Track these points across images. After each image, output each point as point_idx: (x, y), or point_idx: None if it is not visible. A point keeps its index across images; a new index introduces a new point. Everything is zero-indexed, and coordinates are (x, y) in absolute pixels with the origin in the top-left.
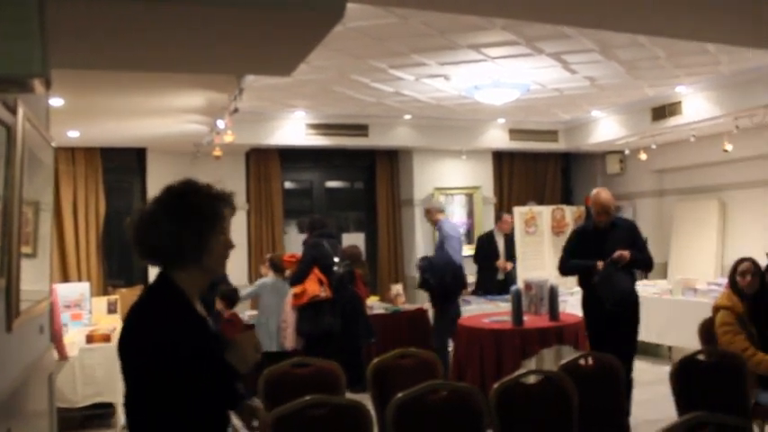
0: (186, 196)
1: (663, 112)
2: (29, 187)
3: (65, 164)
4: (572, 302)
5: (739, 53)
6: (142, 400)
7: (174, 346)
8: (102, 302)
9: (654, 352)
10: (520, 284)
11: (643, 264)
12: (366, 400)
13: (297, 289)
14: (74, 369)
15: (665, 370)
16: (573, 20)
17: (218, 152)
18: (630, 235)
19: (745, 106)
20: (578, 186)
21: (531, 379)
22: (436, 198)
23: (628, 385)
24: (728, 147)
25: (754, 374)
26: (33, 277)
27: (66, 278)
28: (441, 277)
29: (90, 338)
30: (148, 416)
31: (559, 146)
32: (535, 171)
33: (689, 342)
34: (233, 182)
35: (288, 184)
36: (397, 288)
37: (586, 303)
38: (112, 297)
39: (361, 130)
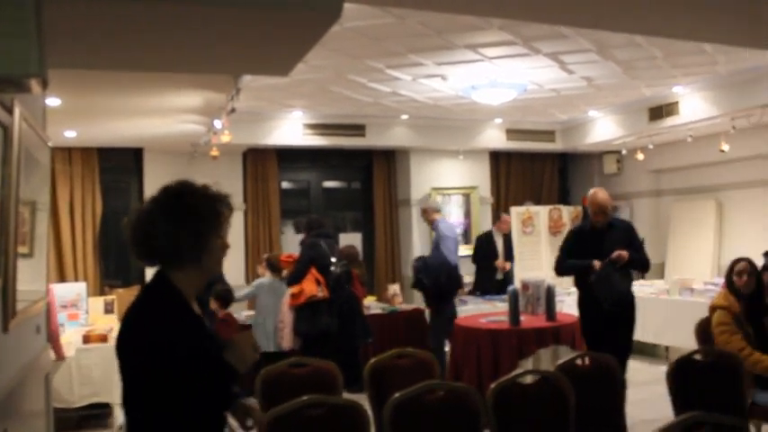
0: (183, 196)
1: (660, 112)
2: (25, 187)
3: (62, 164)
4: (569, 302)
5: (736, 53)
6: (140, 399)
7: (172, 346)
8: (98, 303)
9: (651, 352)
10: (517, 284)
11: (640, 264)
12: (363, 400)
13: (294, 289)
14: (70, 369)
15: (661, 370)
16: (570, 20)
17: (215, 152)
18: (627, 235)
19: (742, 106)
20: (575, 186)
21: (528, 379)
22: (433, 198)
23: (621, 385)
24: (725, 147)
25: (750, 374)
26: (30, 277)
27: (62, 278)
28: (435, 277)
29: (87, 339)
30: (146, 415)
31: (556, 146)
32: (532, 171)
33: (686, 342)
34: (230, 182)
35: (285, 184)
36: (394, 288)
37: (582, 304)
38: (109, 297)
39: (358, 130)
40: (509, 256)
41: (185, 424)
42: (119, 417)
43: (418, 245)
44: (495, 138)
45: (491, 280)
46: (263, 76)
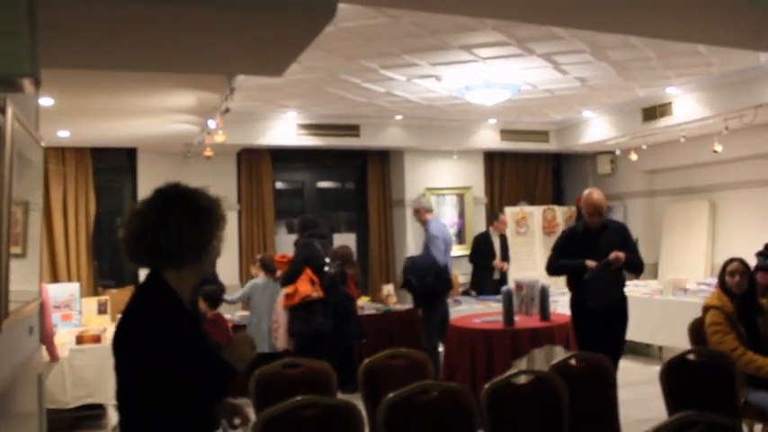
0: (191, 198)
1: (653, 112)
2: (18, 187)
3: (55, 164)
4: (563, 303)
5: (729, 54)
6: (135, 397)
7: (167, 345)
8: (92, 303)
9: (644, 352)
10: (511, 285)
11: (635, 266)
12: (357, 400)
13: (288, 289)
14: (63, 370)
15: (655, 369)
16: (564, 21)
17: (209, 152)
18: (621, 237)
19: (735, 107)
20: (569, 187)
21: (522, 379)
22: (427, 198)
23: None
24: (718, 147)
25: (743, 374)
26: (22, 278)
27: (55, 279)
28: (422, 278)
29: (80, 339)
30: (140, 413)
31: (550, 146)
32: (526, 171)
33: (679, 342)
34: (224, 182)
35: (279, 185)
36: (388, 288)
37: (575, 304)
38: (103, 298)
39: (352, 130)
40: (506, 256)
41: (179, 422)
42: (112, 417)
43: (412, 245)
44: (489, 138)
45: (488, 280)
46: (258, 76)
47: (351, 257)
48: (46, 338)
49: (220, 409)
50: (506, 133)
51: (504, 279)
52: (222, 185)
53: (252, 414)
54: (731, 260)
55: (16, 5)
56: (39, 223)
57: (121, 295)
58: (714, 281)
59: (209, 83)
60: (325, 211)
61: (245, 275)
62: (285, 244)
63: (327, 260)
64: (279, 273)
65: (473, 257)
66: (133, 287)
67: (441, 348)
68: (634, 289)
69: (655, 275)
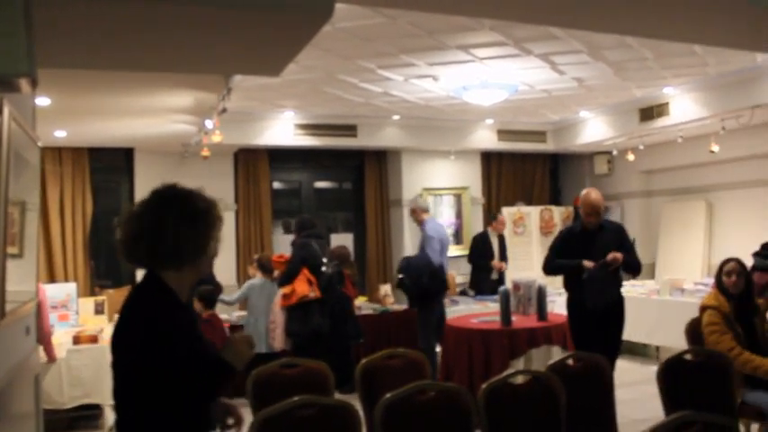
0: (190, 199)
1: (650, 113)
2: (15, 187)
3: (51, 164)
4: (560, 303)
5: (726, 55)
6: (132, 396)
7: (165, 344)
8: (89, 303)
9: (641, 352)
10: (508, 285)
11: (632, 267)
12: (354, 400)
13: (286, 289)
14: (60, 370)
15: (652, 370)
16: (563, 21)
17: (206, 152)
18: (618, 237)
19: (732, 107)
20: (566, 187)
21: (520, 379)
22: (424, 198)
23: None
24: (715, 148)
25: (740, 374)
26: (19, 278)
27: (52, 279)
28: (417, 278)
29: (77, 339)
30: (137, 412)
31: (548, 146)
32: (523, 171)
33: (676, 342)
34: (221, 182)
35: (276, 185)
36: (385, 288)
37: (572, 305)
38: (99, 298)
39: (349, 130)
40: (504, 256)
41: (175, 422)
42: (109, 418)
43: (409, 245)
44: (486, 138)
45: (487, 280)
46: (255, 76)
47: (348, 257)
48: (43, 339)
49: (215, 409)
50: (503, 133)
51: (502, 279)
52: (219, 185)
53: (246, 414)
54: (728, 260)
55: (13, 5)
56: (36, 223)
57: (118, 295)
58: (711, 281)
59: (207, 83)
60: (322, 212)
61: (242, 276)
62: (282, 244)
63: (325, 260)
64: (276, 273)
65: (471, 257)
66: (130, 287)
67: (438, 348)
68: (631, 289)
69: (652, 275)
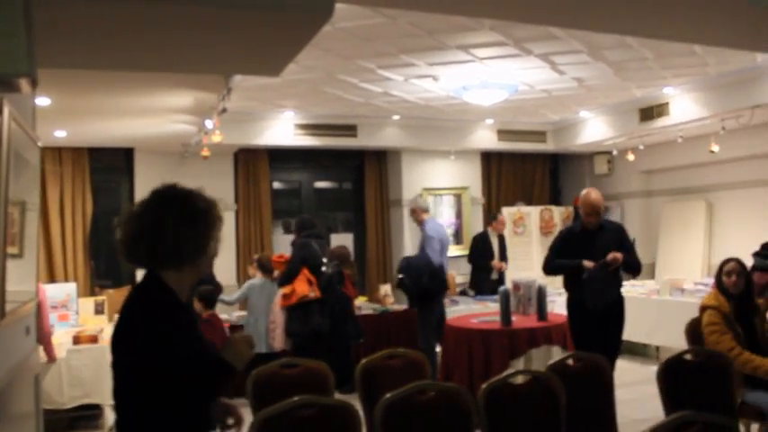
0: (190, 199)
1: (650, 113)
2: (15, 187)
3: (51, 164)
4: (560, 303)
5: (726, 55)
6: (132, 396)
7: (165, 344)
8: (89, 303)
9: (641, 352)
10: (508, 285)
11: (632, 267)
12: (354, 400)
13: (286, 289)
14: (60, 370)
15: (652, 370)
16: (563, 21)
17: (206, 152)
18: (618, 237)
19: (732, 107)
20: (566, 187)
21: (520, 379)
22: (424, 198)
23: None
24: (715, 148)
25: (740, 374)
26: (19, 278)
27: (52, 279)
28: (417, 278)
29: (77, 339)
30: (137, 412)
31: (548, 146)
32: (523, 171)
33: (676, 342)
34: (221, 182)
35: (276, 185)
36: (385, 288)
37: (572, 305)
38: (99, 298)
39: (349, 130)
40: (504, 256)
41: (176, 422)
42: (109, 418)
43: (409, 245)
44: (486, 138)
45: (487, 280)
46: (255, 76)
47: (348, 257)
48: (43, 339)
49: (215, 409)
50: (503, 133)
51: (502, 279)
52: (219, 185)
53: (246, 414)
54: (728, 260)
55: (13, 5)
56: (36, 223)
57: (118, 295)
58: (711, 281)
59: (207, 83)
60: (322, 212)
61: (242, 275)
62: (282, 244)
63: (325, 260)
64: (276, 273)
65: (471, 257)
66: (130, 287)
67: (438, 348)
68: (631, 289)
69: (652, 275)
